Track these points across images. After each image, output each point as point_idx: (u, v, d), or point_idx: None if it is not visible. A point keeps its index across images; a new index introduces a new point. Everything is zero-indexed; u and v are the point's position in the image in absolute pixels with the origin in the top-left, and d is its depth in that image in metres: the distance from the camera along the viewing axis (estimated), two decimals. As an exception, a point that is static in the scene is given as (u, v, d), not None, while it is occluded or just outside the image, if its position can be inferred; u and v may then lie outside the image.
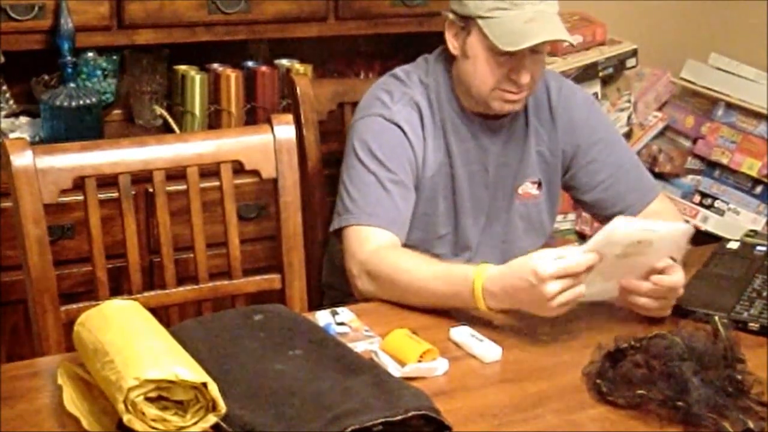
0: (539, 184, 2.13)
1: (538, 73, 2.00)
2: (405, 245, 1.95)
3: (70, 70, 2.50)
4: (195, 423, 1.31)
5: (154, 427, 1.29)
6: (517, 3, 1.91)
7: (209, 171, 1.97)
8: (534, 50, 1.93)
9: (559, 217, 2.28)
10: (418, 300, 1.81)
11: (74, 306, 1.82)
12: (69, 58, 2.49)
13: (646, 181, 2.16)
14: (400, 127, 2.00)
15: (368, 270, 1.88)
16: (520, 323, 1.77)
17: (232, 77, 2.73)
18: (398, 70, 2.11)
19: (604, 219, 2.17)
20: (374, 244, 1.90)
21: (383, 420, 1.32)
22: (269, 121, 1.98)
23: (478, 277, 1.73)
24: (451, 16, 2.00)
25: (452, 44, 2.01)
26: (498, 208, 2.11)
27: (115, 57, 2.72)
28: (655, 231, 1.70)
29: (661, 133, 3.14)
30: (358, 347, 1.61)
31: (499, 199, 2.11)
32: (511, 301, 1.71)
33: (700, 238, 2.75)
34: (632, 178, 2.12)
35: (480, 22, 1.93)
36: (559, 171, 2.14)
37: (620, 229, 1.67)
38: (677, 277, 1.74)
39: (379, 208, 1.95)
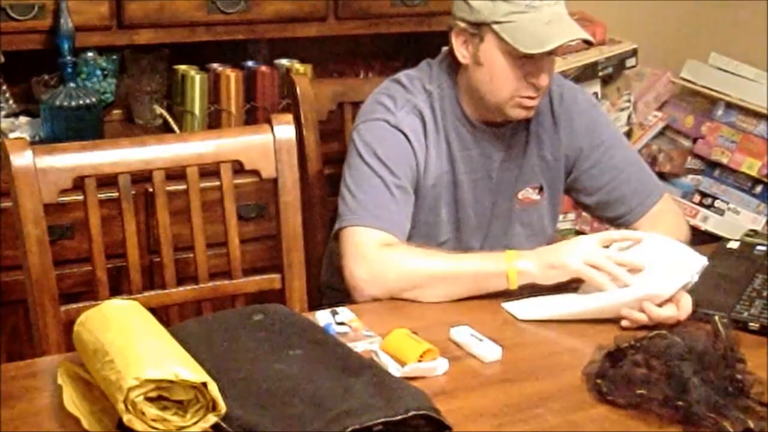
0: (540, 189, 2.12)
1: (552, 75, 2.00)
2: None
3: (69, 70, 2.50)
4: (195, 423, 1.31)
5: (154, 427, 1.29)
6: (533, 5, 1.90)
7: (209, 171, 1.97)
8: (550, 52, 1.92)
9: (559, 217, 2.28)
10: (447, 281, 1.83)
11: (74, 306, 1.82)
12: (69, 58, 2.49)
13: (650, 183, 2.14)
14: (403, 133, 1.99)
15: (380, 268, 1.86)
16: (520, 323, 1.77)
17: (232, 77, 2.73)
18: (401, 76, 2.08)
19: (606, 221, 2.17)
20: (383, 245, 1.89)
21: (383, 420, 1.32)
22: (269, 121, 1.98)
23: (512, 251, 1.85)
24: (460, 24, 1.96)
25: (461, 53, 1.98)
26: (499, 214, 2.10)
27: (114, 57, 2.72)
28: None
29: (661, 133, 3.14)
30: (358, 347, 1.61)
31: (500, 205, 2.10)
32: (543, 255, 1.81)
33: (700, 238, 2.76)
34: (636, 181, 2.11)
35: (496, 27, 1.90)
36: (561, 175, 2.13)
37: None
38: (668, 312, 1.73)
39: (385, 211, 1.94)
